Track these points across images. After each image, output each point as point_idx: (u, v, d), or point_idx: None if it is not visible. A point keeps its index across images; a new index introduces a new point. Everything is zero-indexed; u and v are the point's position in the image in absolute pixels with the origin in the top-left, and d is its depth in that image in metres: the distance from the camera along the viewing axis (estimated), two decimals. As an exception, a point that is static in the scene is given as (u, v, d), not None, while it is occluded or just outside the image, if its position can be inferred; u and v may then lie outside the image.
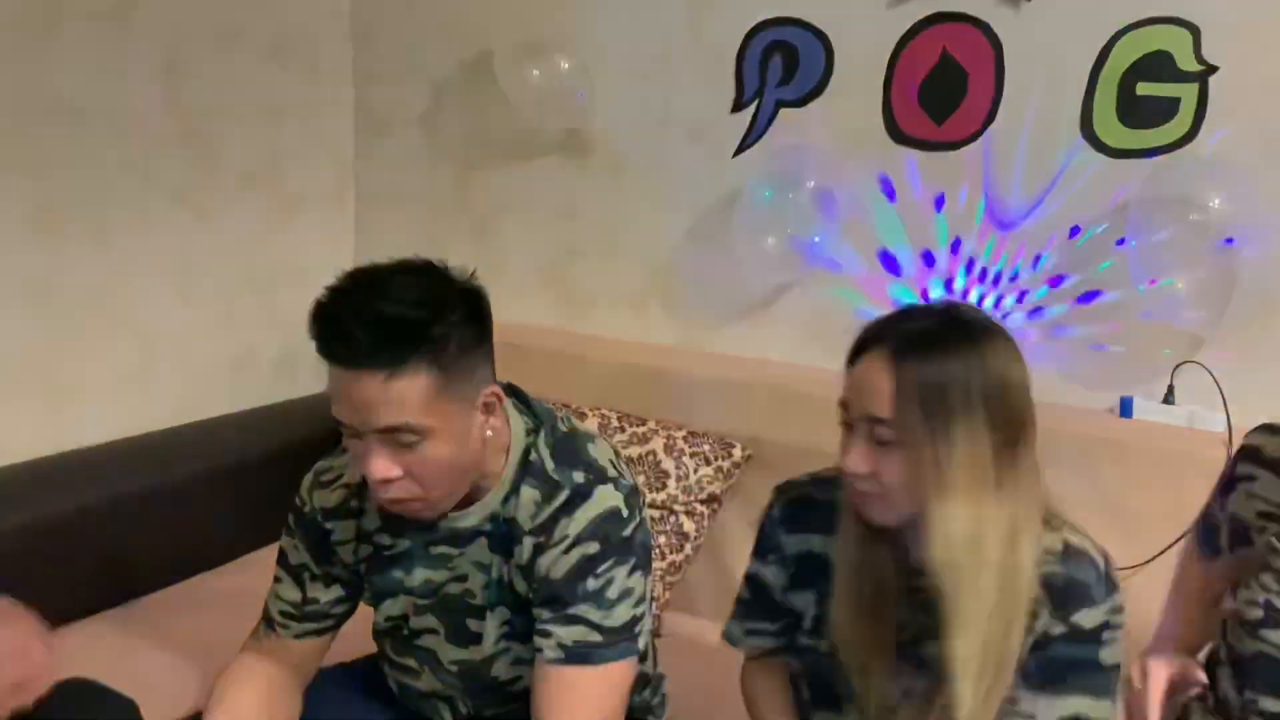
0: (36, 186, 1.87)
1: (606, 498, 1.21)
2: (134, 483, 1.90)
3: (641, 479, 1.96)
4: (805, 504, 1.28)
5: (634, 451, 1.99)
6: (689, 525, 1.95)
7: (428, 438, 1.10)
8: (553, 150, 2.34)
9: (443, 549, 1.26)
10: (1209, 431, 1.74)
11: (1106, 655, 1.13)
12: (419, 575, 1.27)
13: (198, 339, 2.23)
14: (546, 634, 1.20)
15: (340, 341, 1.07)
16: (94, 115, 1.95)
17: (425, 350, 1.08)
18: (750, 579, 1.31)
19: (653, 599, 1.36)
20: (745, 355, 2.20)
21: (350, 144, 2.55)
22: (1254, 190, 1.73)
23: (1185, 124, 1.81)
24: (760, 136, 2.12)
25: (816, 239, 2.01)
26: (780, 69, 2.08)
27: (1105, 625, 1.12)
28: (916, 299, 2.04)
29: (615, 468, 1.25)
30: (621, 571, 1.20)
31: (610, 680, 1.20)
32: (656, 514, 1.95)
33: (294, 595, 1.32)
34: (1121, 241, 1.84)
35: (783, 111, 2.10)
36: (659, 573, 1.92)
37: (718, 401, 2.03)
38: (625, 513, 1.21)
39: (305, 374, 2.51)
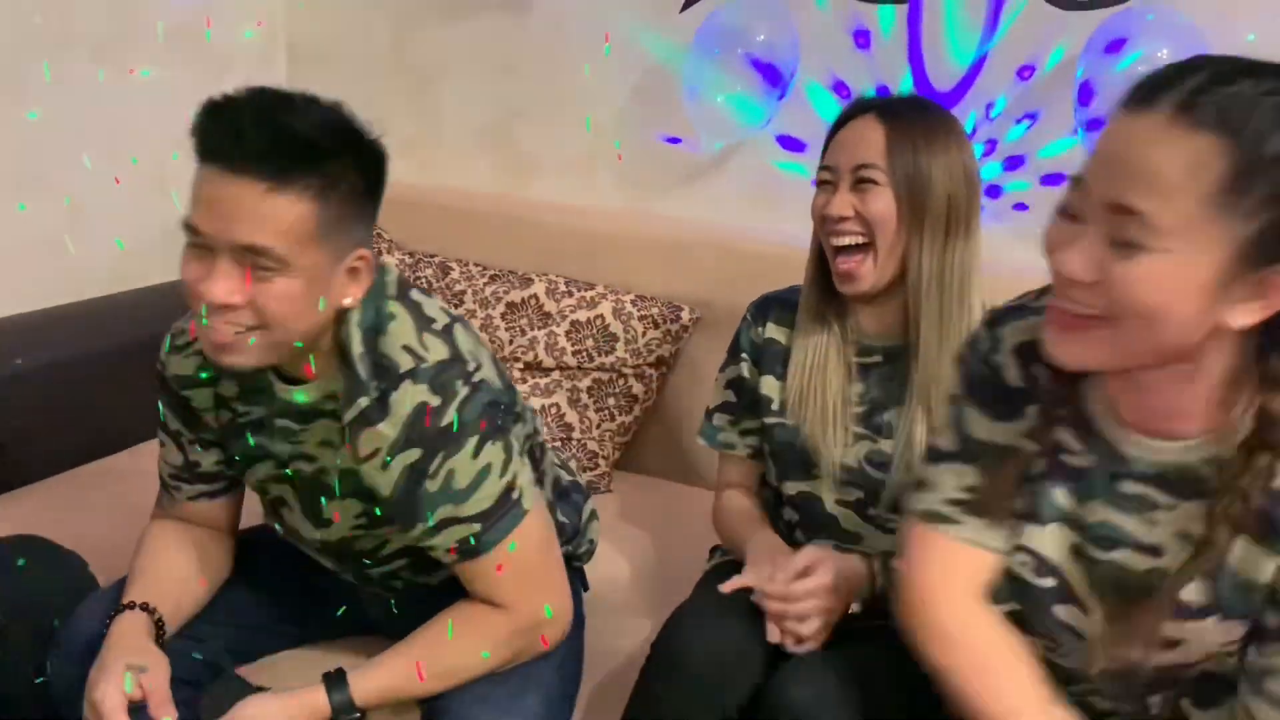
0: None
1: (405, 399, 1.10)
2: (62, 351, 1.86)
3: (590, 343, 1.96)
4: (771, 302, 1.49)
5: (582, 315, 1.98)
6: (638, 388, 1.97)
7: (285, 271, 1.03)
8: (492, 7, 2.25)
9: (286, 422, 1.19)
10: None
11: None
12: (277, 443, 1.21)
13: (128, 204, 2.15)
14: (430, 547, 1.17)
15: (230, 137, 1.01)
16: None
17: (314, 177, 1.02)
18: (731, 384, 1.49)
19: (539, 445, 1.32)
20: (693, 218, 2.18)
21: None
22: (1201, 45, 1.72)
23: (1135, -25, 1.78)
24: (707, -10, 2.06)
25: (764, 98, 1.97)
26: (728, -82, 2.01)
27: None
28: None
29: (411, 353, 1.12)
30: (461, 458, 1.11)
31: (513, 552, 1.16)
32: (605, 376, 1.95)
33: (177, 459, 1.29)
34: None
35: (730, -37, 2.03)
36: (609, 434, 1.94)
37: (665, 265, 2.02)
38: (435, 401, 1.10)
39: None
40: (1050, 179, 1.91)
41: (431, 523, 1.13)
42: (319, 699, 1.11)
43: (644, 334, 1.96)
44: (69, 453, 1.85)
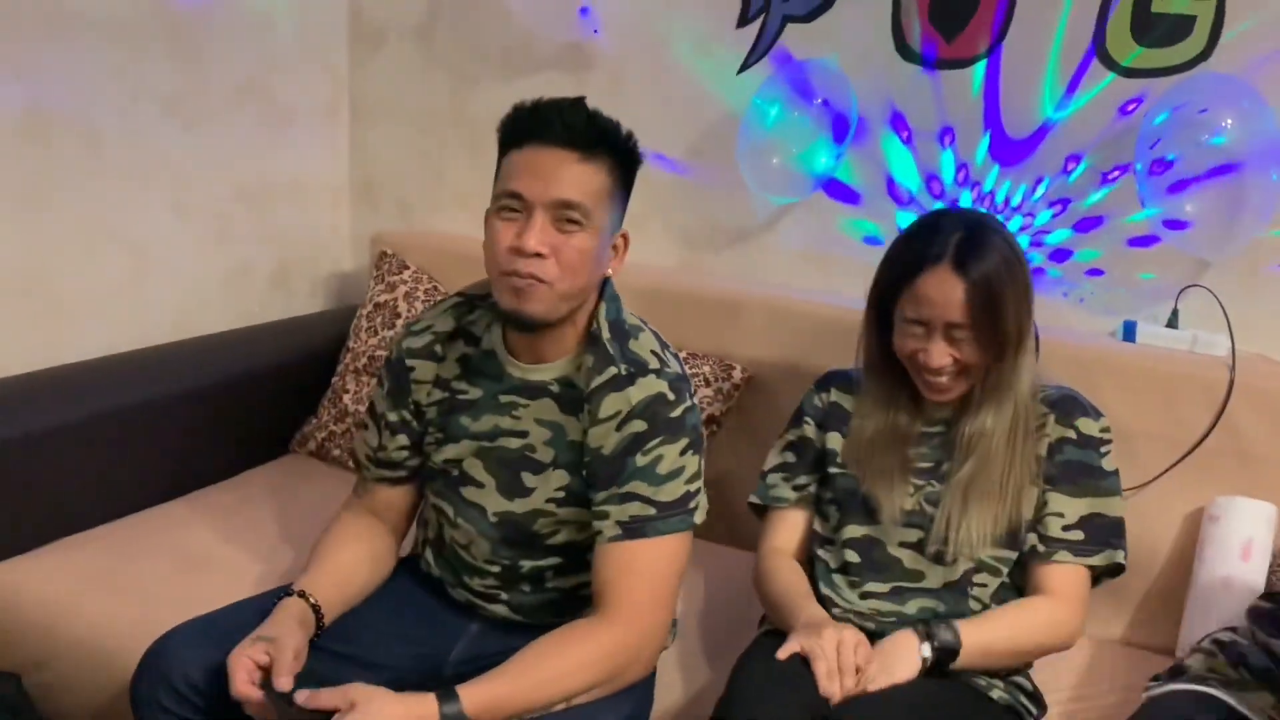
0: (23, 89, 1.83)
1: (649, 385, 1.31)
2: (128, 398, 1.88)
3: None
4: (834, 375, 1.61)
5: (633, 371, 1.98)
6: (688, 445, 1.96)
7: (585, 228, 1.26)
8: (551, 64, 2.28)
9: (512, 398, 1.37)
10: (1211, 355, 1.74)
11: (1107, 462, 1.43)
12: (486, 422, 1.38)
13: (191, 253, 2.20)
14: (604, 515, 1.29)
15: (551, 119, 1.26)
16: (85, 21, 1.89)
17: (610, 155, 1.29)
18: (790, 446, 1.59)
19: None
20: (746, 277, 2.18)
21: (344, 55, 2.49)
22: (1265, 112, 1.70)
23: (1200, 43, 1.77)
24: (766, 53, 2.08)
25: (821, 160, 1.98)
26: (788, -18, 2.03)
27: (1104, 435, 1.44)
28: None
29: (658, 359, 1.34)
30: (672, 449, 1.29)
31: (666, 551, 1.29)
32: (655, 434, 1.95)
33: (374, 440, 1.47)
34: (1126, 167, 1.82)
35: (789, 27, 2.05)
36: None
37: (718, 323, 2.01)
38: (671, 396, 1.31)
39: (300, 289, 2.49)
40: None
41: (623, 489, 1.28)
42: (430, 709, 1.15)
43: (695, 392, 1.95)
44: (128, 499, 1.87)
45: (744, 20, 2.09)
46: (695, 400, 1.37)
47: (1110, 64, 1.84)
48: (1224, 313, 1.74)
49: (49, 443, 1.73)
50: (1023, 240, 1.96)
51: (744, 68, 2.10)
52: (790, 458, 1.57)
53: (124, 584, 1.59)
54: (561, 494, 1.36)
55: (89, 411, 1.80)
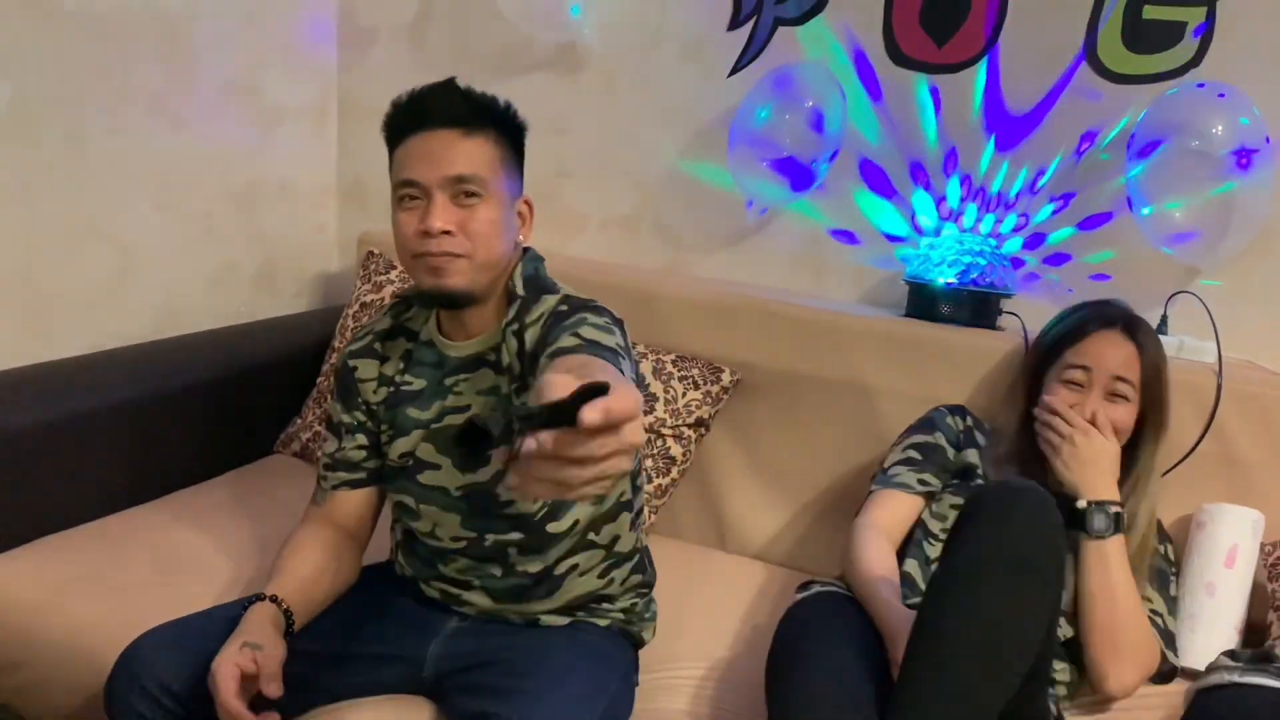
0: (11, 87, 1.81)
1: (551, 300, 1.35)
2: (110, 396, 1.85)
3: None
4: (963, 409, 1.71)
5: (622, 374, 1.97)
6: (676, 449, 1.95)
7: (484, 198, 1.30)
8: (544, 65, 2.28)
9: (454, 379, 1.39)
10: (1198, 361, 1.74)
11: (1174, 587, 1.59)
12: (434, 408, 1.40)
13: (177, 252, 2.18)
14: (560, 349, 1.24)
15: (430, 104, 1.31)
16: (71, 14, 1.87)
17: (494, 126, 1.33)
18: (917, 447, 1.66)
19: (640, 479, 1.50)
20: (736, 280, 2.18)
21: (334, 55, 2.48)
22: (1255, 119, 1.70)
23: (1190, 50, 1.78)
24: (757, 55, 2.08)
25: (813, 162, 1.98)
26: (779, -15, 2.03)
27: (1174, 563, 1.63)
28: (908, 224, 2.03)
29: (565, 294, 1.37)
30: (595, 320, 1.28)
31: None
32: (644, 437, 1.93)
33: (331, 447, 1.48)
34: (1121, 168, 1.82)
35: (781, 29, 2.05)
36: (645, 497, 1.92)
37: (707, 326, 2.00)
38: (596, 305, 1.34)
39: (286, 289, 2.47)
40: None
41: (553, 347, 1.25)
42: None
43: (684, 394, 1.95)
44: (110, 499, 1.85)
45: (735, 23, 2.09)
46: (627, 335, 1.37)
47: (1100, 70, 1.84)
48: (1211, 319, 1.74)
49: (30, 441, 1.71)
50: (1015, 242, 1.96)
51: (735, 70, 2.10)
52: (917, 456, 1.65)
53: (103, 585, 1.57)
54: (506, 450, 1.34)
55: (71, 410, 1.78)
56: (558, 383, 0.79)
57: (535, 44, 2.24)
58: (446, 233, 1.28)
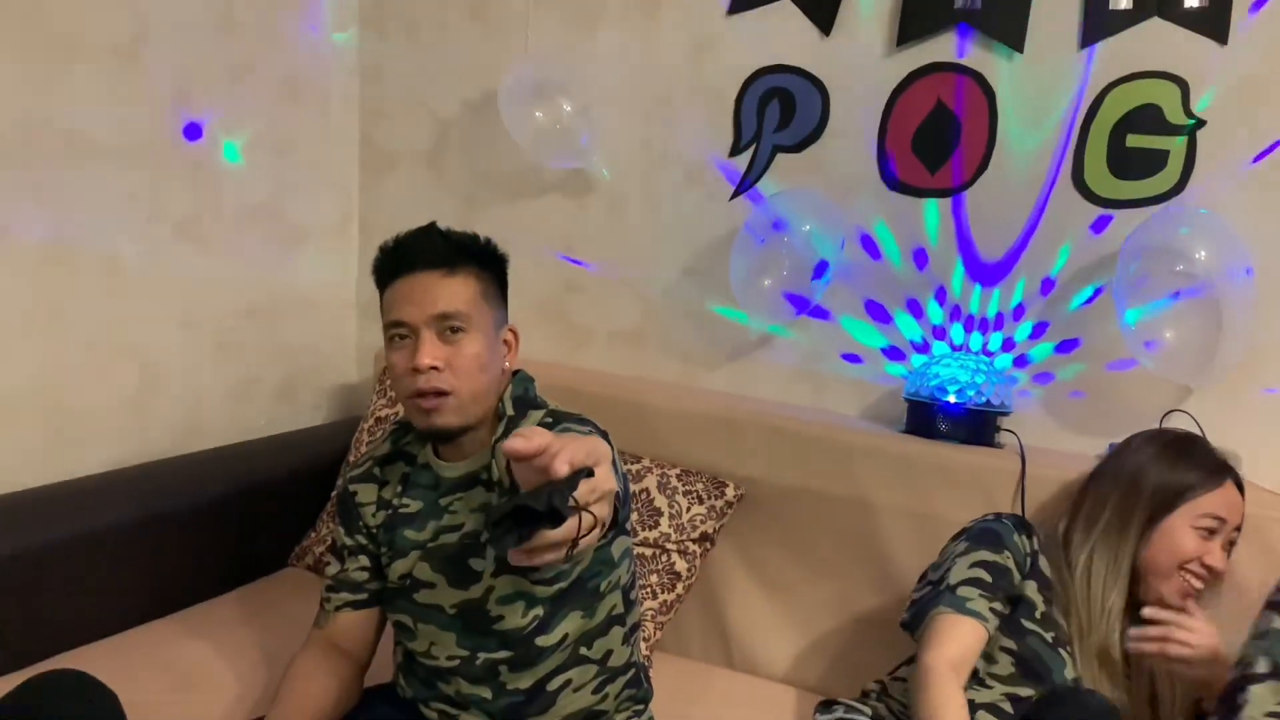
0: (48, 217, 1.91)
1: (535, 416, 1.44)
2: (129, 513, 1.91)
3: (635, 516, 1.98)
4: (1031, 525, 1.65)
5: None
6: (681, 564, 1.97)
7: (469, 331, 1.38)
8: (554, 188, 2.37)
9: (449, 499, 1.45)
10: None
11: None
12: (429, 529, 1.45)
13: (200, 368, 2.26)
14: None
15: (413, 248, 1.39)
16: (104, 148, 1.99)
17: (474, 263, 1.41)
18: (984, 565, 1.56)
19: (635, 591, 1.54)
20: (740, 393, 2.23)
21: (355, 178, 2.59)
22: (1238, 244, 1.76)
23: (1174, 176, 1.85)
24: (757, 180, 2.16)
25: (810, 282, 2.04)
26: (778, 115, 2.12)
27: None
28: (904, 342, 2.08)
29: (551, 411, 1.46)
30: (580, 429, 1.35)
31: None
32: (649, 552, 1.96)
33: (333, 570, 1.54)
34: (1103, 290, 1.88)
35: (780, 156, 2.14)
36: (650, 612, 1.94)
37: (711, 440, 2.04)
38: (581, 416, 1.42)
39: (305, 403, 2.54)
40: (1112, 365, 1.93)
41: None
42: None
43: (688, 509, 1.98)
44: (126, 614, 1.89)
45: (736, 149, 2.18)
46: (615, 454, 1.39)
47: (1087, 194, 1.91)
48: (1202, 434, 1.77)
49: (49, 559, 1.76)
50: (1004, 360, 2.01)
51: (735, 194, 2.18)
52: (986, 577, 1.55)
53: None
54: (495, 564, 1.40)
55: (89, 527, 1.83)
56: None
57: (545, 170, 2.34)
58: (435, 368, 1.35)
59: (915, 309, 2.07)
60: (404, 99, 2.51)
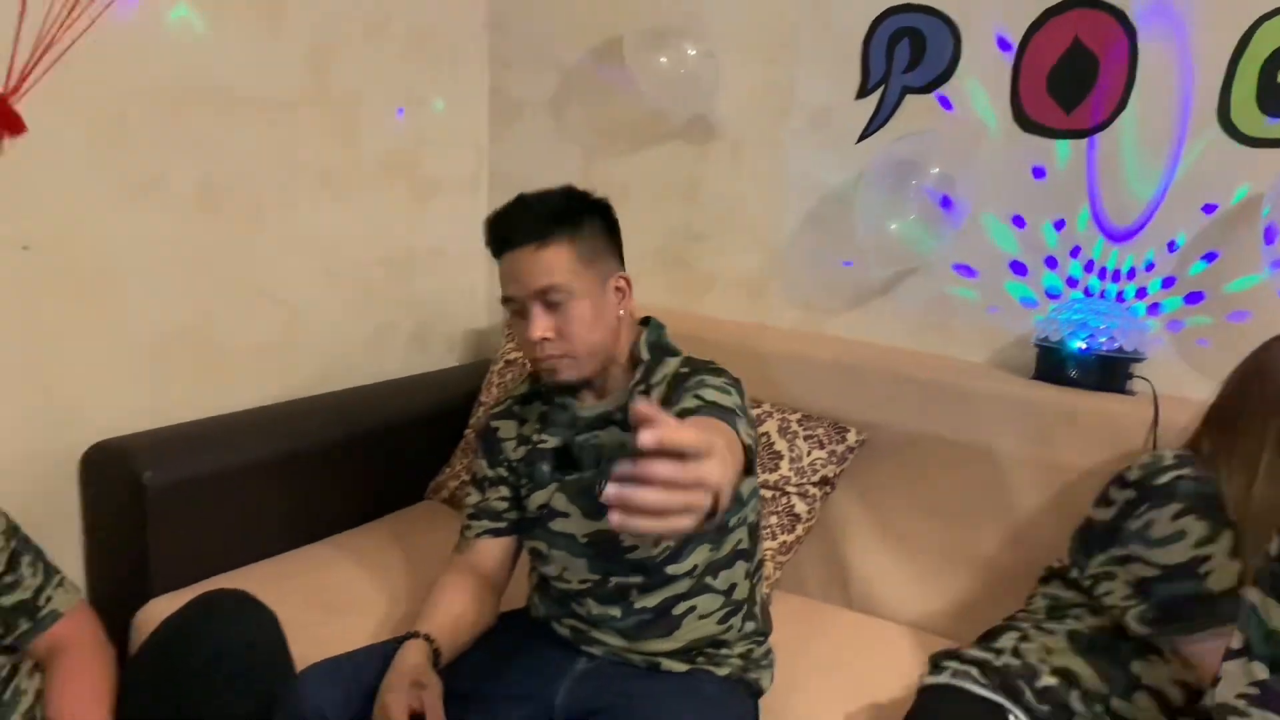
0: (198, 167, 2.03)
1: (672, 362, 1.51)
2: (278, 446, 2.04)
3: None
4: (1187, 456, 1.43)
5: (749, 432, 2.03)
6: (801, 507, 1.99)
7: (572, 297, 1.42)
8: (676, 135, 2.39)
9: (584, 436, 1.52)
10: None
11: None
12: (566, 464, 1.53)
13: (340, 313, 2.37)
14: (685, 410, 1.36)
15: (507, 227, 1.45)
16: (251, 103, 2.09)
17: (567, 226, 1.43)
18: (1229, 547, 1.37)
19: (761, 572, 1.56)
20: (862, 340, 2.22)
21: (485, 129, 2.66)
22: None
23: (1329, 112, 1.75)
24: (885, 123, 2.13)
25: (938, 226, 2.01)
26: (907, 55, 2.09)
27: None
28: (1037, 287, 2.04)
29: (688, 359, 1.52)
30: (715, 381, 1.41)
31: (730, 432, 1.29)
32: (769, 494, 1.99)
33: (475, 499, 1.63)
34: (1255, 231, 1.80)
35: (908, 97, 2.10)
36: (769, 552, 1.97)
37: (833, 385, 2.05)
38: (715, 366, 1.48)
39: (438, 347, 2.64)
40: (1235, 315, 1.86)
41: (678, 407, 1.37)
42: None
43: (809, 454, 2.00)
44: (276, 541, 2.02)
45: (863, 91, 2.15)
46: (746, 399, 1.47)
47: (1233, 133, 1.83)
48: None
49: (208, 488, 1.90)
50: (1139, 308, 1.95)
51: (862, 137, 2.16)
52: (1237, 565, 1.33)
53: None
54: None
55: (244, 459, 1.96)
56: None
57: (668, 116, 2.35)
58: (546, 339, 1.44)
59: (1047, 253, 2.03)
60: (530, 49, 2.56)
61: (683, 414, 1.32)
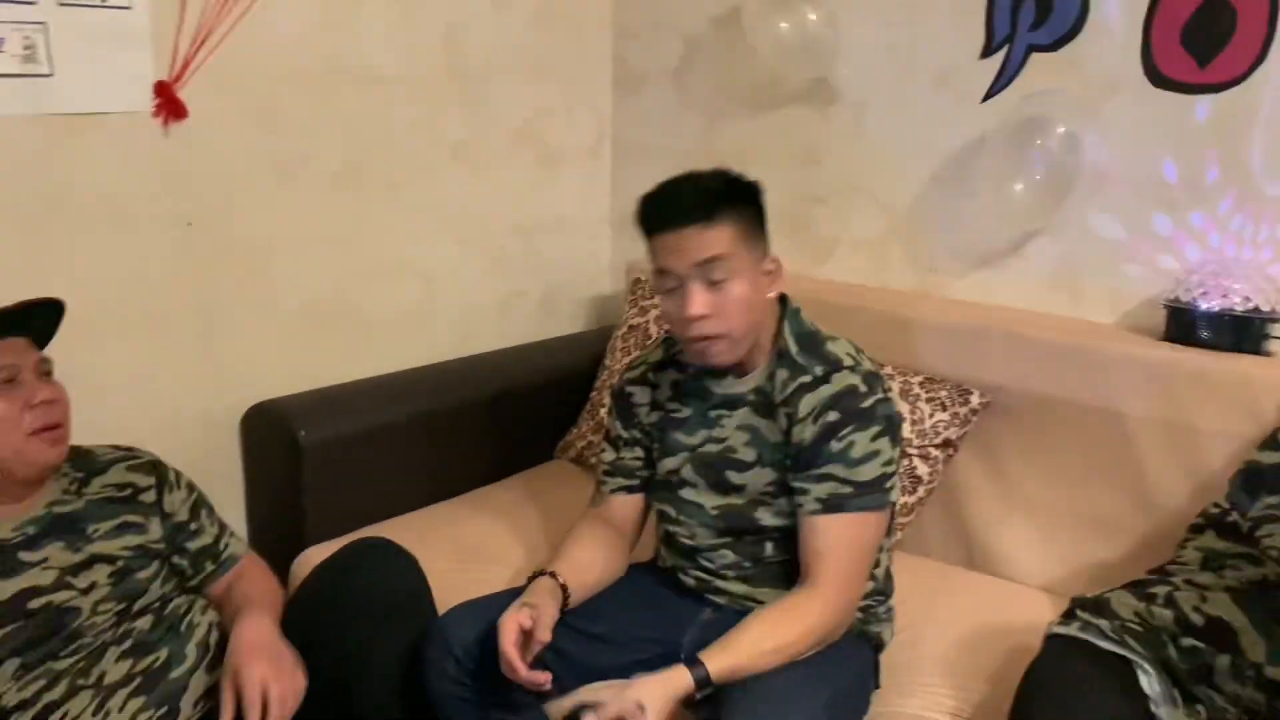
0: (341, 145, 2.15)
1: (843, 379, 1.49)
2: (418, 406, 2.17)
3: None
4: None
5: (870, 394, 2.05)
6: (923, 469, 2.01)
7: (733, 276, 1.44)
8: (797, 99, 2.40)
9: (717, 411, 1.58)
10: None
11: None
12: (698, 435, 1.59)
13: (473, 281, 2.48)
14: (804, 491, 1.48)
15: (669, 206, 1.46)
16: (390, 81, 2.20)
17: (730, 206, 1.46)
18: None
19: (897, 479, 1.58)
20: (987, 302, 2.20)
21: (608, 99, 2.72)
22: None
23: None
24: (1010, 82, 2.10)
25: (1065, 186, 1.98)
26: (1033, 12, 2.05)
27: None
28: (1167, 246, 1.99)
29: (852, 358, 1.52)
30: (863, 436, 1.46)
31: (862, 525, 1.47)
32: (890, 455, 2.01)
33: (610, 457, 1.70)
34: None
35: (1034, 56, 2.07)
36: (891, 511, 1.99)
37: (956, 347, 2.05)
38: (863, 389, 1.48)
39: (564, 313, 2.73)
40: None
41: (820, 470, 1.46)
42: (684, 676, 1.34)
43: (930, 416, 2.01)
44: (418, 495, 2.15)
45: (988, 50, 2.12)
46: (890, 395, 1.52)
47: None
48: None
49: (356, 446, 2.04)
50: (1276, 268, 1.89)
51: (987, 97, 2.14)
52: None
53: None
54: (772, 488, 1.54)
55: (388, 419, 2.10)
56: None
57: (789, 80, 2.37)
58: (704, 316, 1.44)
59: (1178, 211, 1.97)
60: (652, 18, 2.60)
61: (812, 502, 1.46)
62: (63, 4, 1.70)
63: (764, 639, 1.40)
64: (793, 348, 1.53)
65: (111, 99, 1.79)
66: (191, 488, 1.63)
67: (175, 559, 1.58)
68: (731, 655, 1.37)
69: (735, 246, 1.45)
